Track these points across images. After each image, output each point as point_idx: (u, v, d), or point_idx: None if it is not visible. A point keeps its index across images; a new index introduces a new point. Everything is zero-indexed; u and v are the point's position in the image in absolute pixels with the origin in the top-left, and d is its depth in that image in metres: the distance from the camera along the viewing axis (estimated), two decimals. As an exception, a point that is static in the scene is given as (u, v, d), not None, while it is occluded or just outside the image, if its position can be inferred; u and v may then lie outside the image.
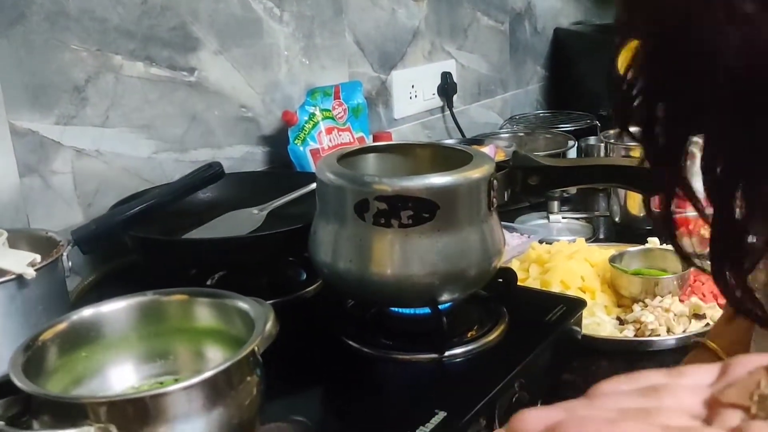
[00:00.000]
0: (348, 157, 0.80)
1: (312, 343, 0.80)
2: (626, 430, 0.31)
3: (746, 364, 0.35)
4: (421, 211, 0.70)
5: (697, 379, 0.36)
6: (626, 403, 0.34)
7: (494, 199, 0.75)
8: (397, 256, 0.72)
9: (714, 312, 0.93)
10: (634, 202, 1.25)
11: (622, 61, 0.54)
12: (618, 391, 0.35)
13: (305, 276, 0.95)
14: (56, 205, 0.94)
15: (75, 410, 0.46)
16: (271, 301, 0.86)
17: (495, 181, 0.74)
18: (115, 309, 0.58)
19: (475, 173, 0.73)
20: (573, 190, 1.49)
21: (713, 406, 0.34)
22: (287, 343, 0.80)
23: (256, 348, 0.53)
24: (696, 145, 1.14)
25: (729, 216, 0.46)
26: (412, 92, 1.49)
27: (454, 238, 0.72)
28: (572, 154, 1.48)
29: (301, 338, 0.82)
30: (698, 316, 0.92)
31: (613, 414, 0.33)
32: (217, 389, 0.49)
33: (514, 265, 1.06)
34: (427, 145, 0.87)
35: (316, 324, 0.83)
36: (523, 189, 0.76)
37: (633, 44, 0.50)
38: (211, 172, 0.79)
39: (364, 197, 0.71)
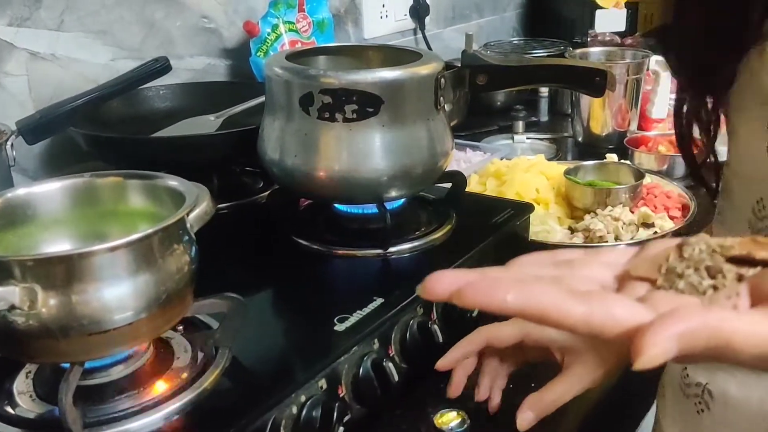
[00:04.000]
0: (298, 57, 0.79)
1: (262, 242, 0.81)
2: (533, 290, 0.31)
3: (660, 244, 0.36)
4: (365, 105, 0.70)
5: (613, 258, 0.37)
6: (541, 272, 0.35)
7: (441, 98, 0.75)
8: (342, 150, 0.72)
9: (663, 222, 0.95)
10: (597, 123, 1.25)
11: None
12: (536, 262, 0.37)
13: (262, 184, 0.96)
14: (10, 107, 0.93)
15: (-1, 269, 0.47)
16: (225, 204, 0.89)
17: (443, 80, 0.75)
18: (50, 189, 0.58)
19: (422, 70, 0.73)
20: (545, 114, 1.50)
21: (624, 280, 0.35)
22: (238, 241, 0.82)
23: (187, 222, 0.54)
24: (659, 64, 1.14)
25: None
26: (383, 12, 1.47)
27: (399, 134, 0.72)
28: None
29: (251, 238, 0.83)
30: (647, 225, 0.94)
31: (525, 278, 0.34)
32: (144, 254, 0.50)
33: (473, 179, 1.07)
34: (378, 47, 0.87)
35: (268, 225, 0.84)
36: (472, 88, 0.76)
37: None
38: (158, 66, 0.78)
39: (308, 90, 0.71)
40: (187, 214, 0.54)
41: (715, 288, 0.33)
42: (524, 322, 0.57)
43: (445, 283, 0.32)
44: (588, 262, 0.37)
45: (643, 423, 0.89)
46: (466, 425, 0.57)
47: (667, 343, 0.29)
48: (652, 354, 0.28)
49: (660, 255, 0.35)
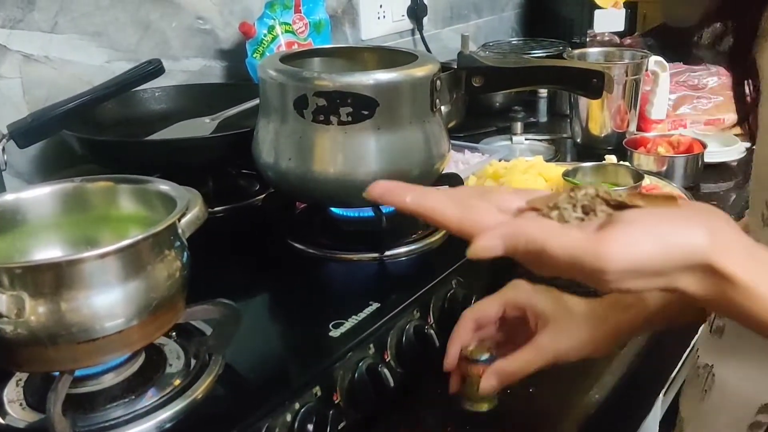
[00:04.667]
0: (292, 59, 0.79)
1: (257, 245, 0.80)
2: (427, 197, 0.41)
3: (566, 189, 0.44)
4: (360, 107, 0.70)
5: (531, 194, 0.43)
6: (462, 192, 0.45)
7: (438, 100, 0.74)
8: (337, 153, 0.71)
9: (662, 224, 0.94)
10: (596, 124, 1.24)
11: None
12: (467, 188, 0.51)
13: (258, 187, 0.96)
14: (4, 109, 0.92)
15: (-15, 277, 0.46)
16: (221, 208, 0.88)
17: (438, 82, 0.74)
18: (40, 194, 0.58)
19: (418, 72, 0.73)
20: (544, 115, 1.49)
21: (521, 210, 0.43)
22: (233, 244, 0.81)
23: (178, 227, 0.53)
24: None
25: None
26: (381, 12, 1.46)
27: (395, 137, 0.72)
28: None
29: (247, 241, 0.82)
30: (646, 227, 0.93)
31: (441, 194, 0.43)
32: (134, 260, 0.49)
33: (471, 181, 1.06)
34: (373, 49, 0.86)
35: (264, 228, 0.83)
36: (468, 90, 0.75)
37: None
38: (151, 68, 0.77)
39: (302, 93, 0.70)
40: (179, 220, 0.53)
41: (582, 221, 0.40)
42: (503, 294, 0.61)
43: (377, 188, 0.42)
44: (504, 192, 0.44)
45: (644, 424, 0.89)
46: (493, 355, 0.58)
47: (493, 241, 0.38)
48: (478, 245, 0.38)
49: (559, 195, 0.42)
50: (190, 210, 0.55)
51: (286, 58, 0.77)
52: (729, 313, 0.43)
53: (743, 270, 0.39)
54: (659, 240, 0.38)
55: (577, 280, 0.39)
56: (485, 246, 0.38)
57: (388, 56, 0.81)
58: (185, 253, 0.54)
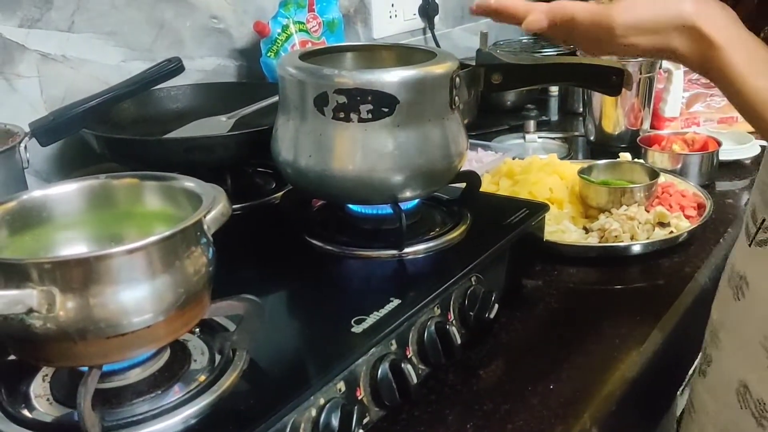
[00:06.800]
0: (310, 57, 0.79)
1: (276, 242, 0.80)
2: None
3: None
4: (380, 105, 0.70)
5: None
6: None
7: (456, 98, 0.74)
8: (356, 150, 0.71)
9: (679, 221, 0.94)
10: (609, 122, 1.24)
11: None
12: None
13: (275, 185, 0.96)
14: (22, 108, 0.93)
15: (16, 272, 0.46)
16: (238, 206, 0.88)
17: (457, 79, 0.74)
18: (66, 191, 0.58)
19: (437, 69, 0.73)
20: (555, 114, 1.49)
21: None
22: (251, 242, 0.81)
23: (204, 224, 0.53)
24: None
25: None
26: (392, 11, 1.47)
27: (414, 134, 0.72)
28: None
29: (265, 238, 0.83)
30: (663, 225, 0.93)
31: None
32: (162, 256, 0.49)
33: (486, 179, 1.07)
34: (390, 46, 0.86)
35: (281, 226, 0.83)
36: (487, 87, 0.75)
37: None
38: (171, 67, 0.78)
39: (323, 90, 0.70)
40: (204, 216, 0.53)
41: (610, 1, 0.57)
42: None
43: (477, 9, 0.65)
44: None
45: (663, 422, 0.89)
46: None
47: (539, 15, 0.58)
48: (529, 19, 0.59)
49: None
50: (215, 206, 0.55)
51: (305, 56, 0.77)
52: (709, 72, 0.54)
53: (721, 35, 0.52)
54: (655, 5, 0.54)
55: (597, 43, 0.57)
56: (534, 19, 0.58)
57: (406, 54, 0.81)
58: (211, 249, 0.55)
